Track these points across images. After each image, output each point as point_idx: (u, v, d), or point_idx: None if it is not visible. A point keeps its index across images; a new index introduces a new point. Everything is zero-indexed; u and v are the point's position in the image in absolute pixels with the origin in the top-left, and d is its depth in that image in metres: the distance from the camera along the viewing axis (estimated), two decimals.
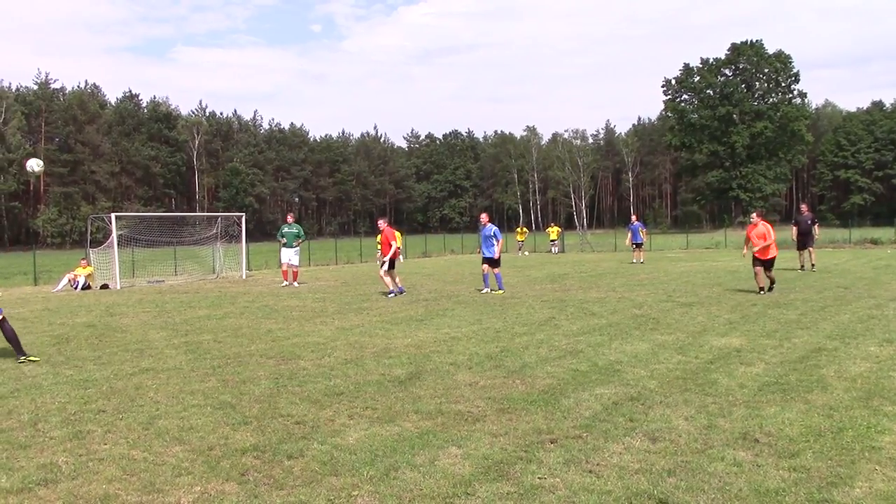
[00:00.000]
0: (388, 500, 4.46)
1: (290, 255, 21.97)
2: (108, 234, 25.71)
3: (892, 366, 7.90)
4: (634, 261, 29.70)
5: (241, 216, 29.08)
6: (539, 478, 4.75)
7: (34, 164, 13.49)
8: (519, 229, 47.29)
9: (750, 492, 4.43)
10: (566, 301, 15.30)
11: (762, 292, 15.55)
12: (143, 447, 5.63)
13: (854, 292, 15.60)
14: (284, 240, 22.01)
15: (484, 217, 18.18)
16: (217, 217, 30.61)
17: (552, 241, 45.49)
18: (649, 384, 7.30)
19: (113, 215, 25.41)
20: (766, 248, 15.83)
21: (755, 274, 15.97)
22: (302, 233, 22.87)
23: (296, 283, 21.78)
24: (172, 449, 5.57)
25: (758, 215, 16.59)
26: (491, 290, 17.53)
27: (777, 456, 5.06)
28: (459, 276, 24.41)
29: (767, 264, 15.90)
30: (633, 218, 33.22)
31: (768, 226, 16.08)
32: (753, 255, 16.02)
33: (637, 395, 6.87)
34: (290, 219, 22.93)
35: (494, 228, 17.69)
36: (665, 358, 8.70)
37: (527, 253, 43.35)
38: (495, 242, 17.52)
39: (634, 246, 30.78)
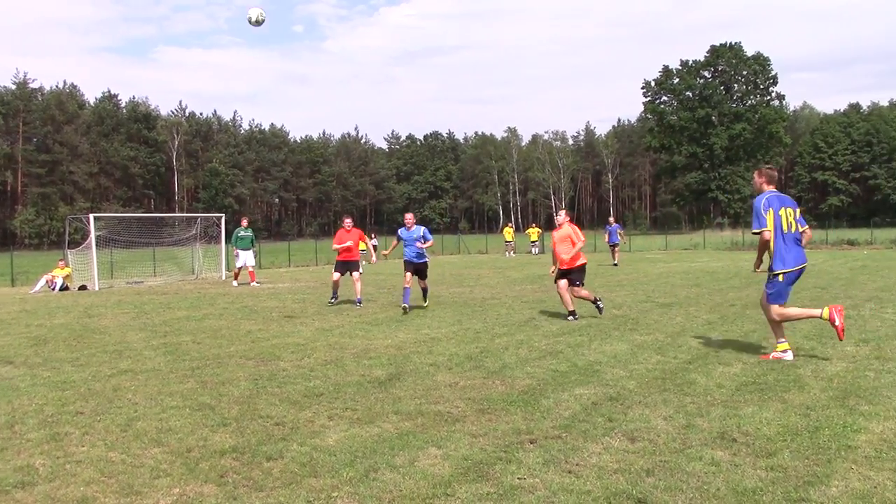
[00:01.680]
0: (368, 501, 4.45)
1: (247, 258, 22.71)
2: (86, 235, 25.53)
3: (867, 365, 7.98)
4: (616, 262, 29.56)
5: (221, 217, 28.96)
6: (518, 478, 4.76)
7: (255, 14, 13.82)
8: (506, 230, 47.42)
9: (728, 491, 4.46)
10: (546, 302, 15.34)
11: (572, 318, 12.21)
12: (121, 449, 5.59)
13: (831, 293, 15.74)
14: (241, 244, 22.61)
15: (409, 217, 15.23)
16: (196, 218, 30.46)
17: (532, 242, 45.62)
18: (628, 384, 7.33)
19: (91, 216, 25.22)
20: (574, 256, 12.64)
21: (559, 294, 12.70)
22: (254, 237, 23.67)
23: (256, 283, 22.47)
24: (151, 451, 5.53)
25: (565, 214, 13.39)
26: (409, 306, 14.12)
27: (754, 455, 5.10)
28: (440, 276, 24.41)
29: (574, 277, 12.58)
30: (611, 220, 33.12)
31: (575, 228, 12.95)
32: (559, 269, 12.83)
33: (616, 395, 6.90)
34: (244, 223, 23.31)
35: (424, 229, 14.89)
36: (644, 358, 8.74)
37: (513, 254, 43.41)
38: (424, 245, 14.62)
39: (610, 247, 30.67)
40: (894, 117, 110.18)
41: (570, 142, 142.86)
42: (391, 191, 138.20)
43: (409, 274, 14.43)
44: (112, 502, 4.54)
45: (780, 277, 8.46)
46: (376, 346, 10.08)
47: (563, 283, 12.54)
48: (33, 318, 14.85)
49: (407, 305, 13.98)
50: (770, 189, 8.80)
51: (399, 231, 15.10)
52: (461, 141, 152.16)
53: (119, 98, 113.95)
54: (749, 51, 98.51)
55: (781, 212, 8.46)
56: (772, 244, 8.44)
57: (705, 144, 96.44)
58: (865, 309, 12.79)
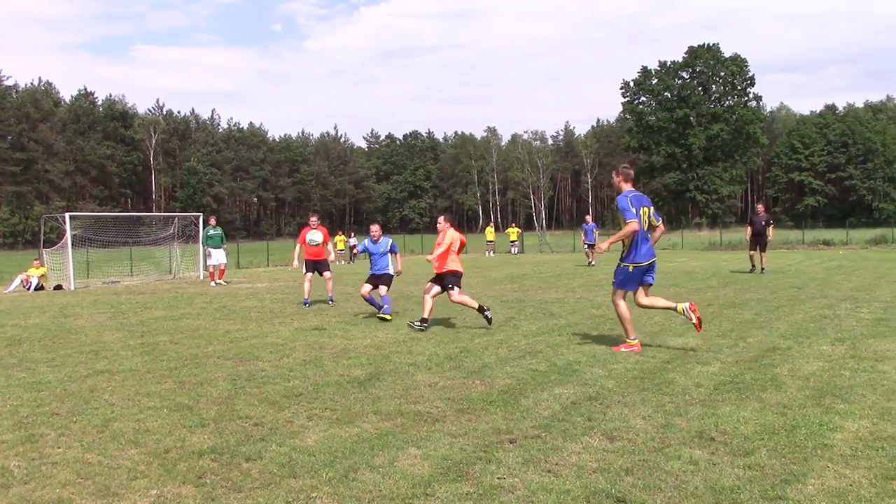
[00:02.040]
0: (348, 502, 4.44)
1: (220, 256, 23.21)
2: (62, 235, 25.33)
3: (843, 364, 8.05)
4: (592, 262, 28.88)
5: (199, 216, 28.80)
6: (498, 478, 4.76)
7: None
8: (488, 229, 47.50)
9: (706, 489, 4.48)
10: (525, 301, 15.37)
11: (418, 325, 11.58)
12: (97, 450, 5.54)
13: (807, 292, 15.87)
14: (212, 244, 23.01)
15: (375, 230, 14.08)
16: (174, 217, 30.28)
17: (512, 241, 45.72)
18: (607, 384, 7.35)
19: (67, 215, 25.03)
20: (443, 255, 12.16)
21: (423, 298, 12.06)
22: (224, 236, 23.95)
23: (223, 282, 22.99)
24: (128, 452, 5.49)
25: (445, 220, 12.83)
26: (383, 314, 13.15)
27: (732, 454, 5.13)
28: (419, 276, 24.37)
29: (446, 281, 12.05)
30: (588, 218, 32.41)
31: (456, 234, 12.52)
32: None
33: (595, 394, 6.92)
34: (212, 221, 23.61)
35: (391, 241, 14.06)
36: (623, 358, 8.77)
37: (493, 254, 43.49)
38: (391, 258, 13.92)
39: (587, 246, 30.03)
40: (869, 119, 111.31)
41: (550, 142, 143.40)
42: (370, 190, 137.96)
43: (367, 285, 13.67)
44: None
45: (631, 268, 9.12)
46: (355, 346, 10.06)
47: (435, 288, 12.07)
48: (8, 318, 14.70)
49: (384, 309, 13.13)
50: (629, 188, 9.32)
51: (366, 243, 14.07)
52: (441, 140, 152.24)
53: (95, 96, 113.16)
54: (727, 52, 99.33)
55: (641, 211, 9.06)
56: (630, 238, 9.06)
57: (683, 145, 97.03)
58: (841, 308, 12.90)
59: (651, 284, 9.36)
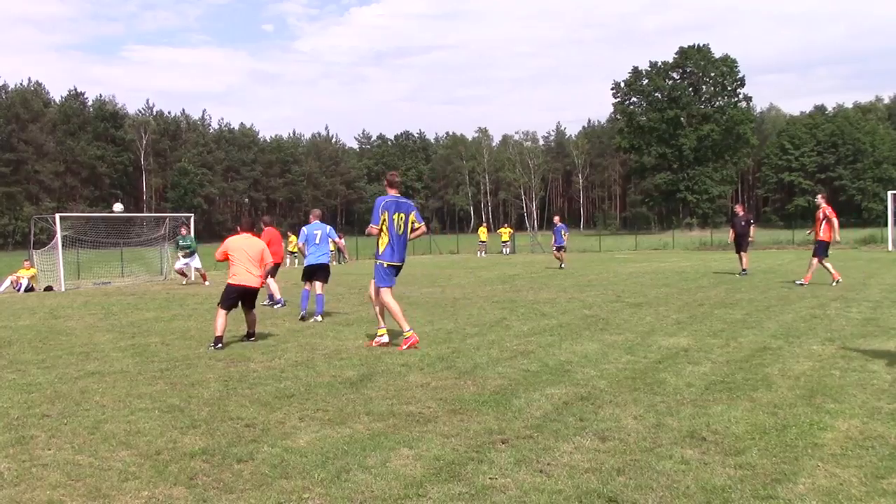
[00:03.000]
0: (340, 503, 4.43)
1: (189, 261, 23.67)
2: (52, 235, 25.25)
3: (833, 364, 8.08)
4: (563, 266, 27.38)
5: (190, 217, 28.74)
6: (490, 478, 4.76)
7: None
8: (481, 229, 47.50)
9: (697, 489, 4.50)
10: (517, 302, 15.38)
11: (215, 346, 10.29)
12: (88, 452, 5.52)
13: (797, 292, 15.93)
14: (184, 251, 23.49)
15: (316, 213, 14.01)
16: (165, 218, 30.21)
17: (504, 242, 45.75)
18: (599, 384, 7.37)
19: (57, 216, 24.93)
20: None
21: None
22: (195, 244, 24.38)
23: (184, 281, 23.62)
24: (119, 453, 5.47)
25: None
26: (317, 317, 13.04)
27: (723, 453, 5.14)
28: (411, 277, 24.38)
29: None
30: (556, 219, 30.41)
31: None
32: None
33: (587, 394, 6.93)
34: (184, 231, 24.22)
35: (330, 227, 13.74)
36: (614, 358, 8.79)
37: (485, 254, 43.51)
38: (331, 244, 13.88)
39: (556, 249, 28.60)
40: (859, 119, 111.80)
41: (541, 142, 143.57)
42: (362, 191, 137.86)
43: (313, 281, 13.44)
44: None
45: (385, 265, 9.91)
46: (347, 347, 10.05)
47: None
48: None
49: (304, 312, 13.23)
50: (391, 193, 10.06)
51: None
52: (432, 141, 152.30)
53: (86, 96, 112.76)
54: (717, 53, 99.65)
55: (395, 216, 9.84)
56: (386, 239, 9.82)
57: (674, 145, 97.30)
58: (831, 308, 12.95)
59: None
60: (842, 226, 20.32)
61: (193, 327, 12.62)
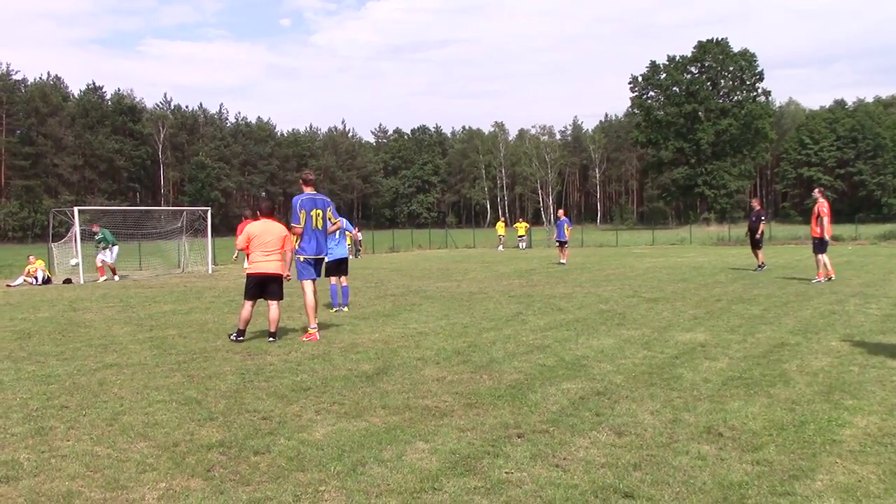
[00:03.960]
0: (355, 496, 4.45)
1: (111, 255, 23.64)
2: (70, 228, 25.41)
3: (852, 360, 8.03)
4: (563, 261, 26.67)
5: (207, 210, 28.86)
6: (506, 472, 4.76)
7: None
8: (499, 223, 47.41)
9: (714, 485, 4.48)
10: (533, 296, 15.36)
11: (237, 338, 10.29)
12: (106, 443, 5.56)
13: (816, 288, 15.82)
14: (103, 244, 23.49)
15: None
16: (182, 211, 30.34)
17: (520, 236, 45.66)
18: (615, 379, 7.35)
19: (76, 209, 25.07)
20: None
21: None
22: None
23: (103, 278, 23.34)
24: (137, 445, 5.51)
25: (260, 214, 11.11)
26: (339, 308, 13.46)
27: (740, 449, 5.12)
28: (427, 271, 24.41)
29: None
30: (560, 213, 29.62)
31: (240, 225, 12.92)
32: None
33: (603, 389, 6.91)
34: (95, 228, 23.92)
35: (345, 220, 13.35)
36: (631, 353, 8.77)
37: (502, 248, 43.45)
38: (347, 237, 13.86)
39: (558, 244, 27.90)
40: (880, 114, 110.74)
41: (558, 136, 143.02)
42: (378, 185, 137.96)
43: (335, 276, 13.67)
44: (98, 497, 4.52)
45: (302, 258, 10.57)
46: (363, 341, 10.07)
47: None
48: (17, 311, 14.76)
49: (343, 307, 13.49)
50: (308, 191, 10.77)
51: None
52: (448, 135, 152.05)
53: (104, 90, 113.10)
54: (735, 47, 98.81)
55: (312, 212, 10.54)
56: (304, 234, 10.48)
57: (692, 140, 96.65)
58: (850, 304, 12.86)
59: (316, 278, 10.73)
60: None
61: (211, 320, 12.69)
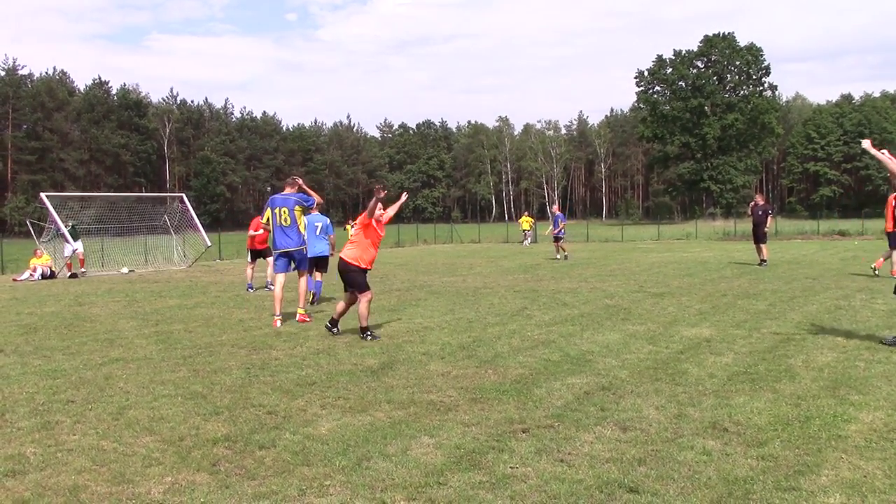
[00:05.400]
0: (360, 490, 4.46)
1: (78, 246, 23.70)
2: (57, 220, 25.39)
3: (858, 355, 8.02)
4: (558, 257, 26.74)
5: (182, 196, 28.80)
6: (511, 467, 4.77)
7: None
8: (523, 218, 47.19)
9: (719, 480, 4.48)
10: (538, 291, 15.35)
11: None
12: (112, 437, 5.58)
13: (822, 283, 15.79)
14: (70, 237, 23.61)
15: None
16: (163, 198, 30.20)
17: (525, 231, 45.58)
18: (620, 374, 7.35)
19: (44, 195, 25.43)
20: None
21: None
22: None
23: (82, 269, 23.65)
24: (143, 439, 5.53)
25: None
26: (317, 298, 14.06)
27: (745, 445, 5.12)
28: (432, 266, 24.42)
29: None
30: (555, 208, 29.58)
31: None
32: None
33: (608, 384, 6.91)
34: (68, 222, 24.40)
35: (326, 219, 14.07)
36: (636, 348, 8.76)
37: (528, 243, 43.17)
38: (327, 238, 14.05)
39: (554, 240, 27.65)
40: (887, 108, 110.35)
41: (563, 131, 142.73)
42: (384, 179, 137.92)
43: (316, 272, 14.20)
44: (104, 491, 4.54)
45: (274, 252, 11.76)
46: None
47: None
48: (24, 306, 14.80)
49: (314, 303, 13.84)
50: (287, 191, 11.77)
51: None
52: (454, 130, 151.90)
53: (110, 85, 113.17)
54: (742, 41, 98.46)
55: (277, 210, 11.53)
56: (272, 230, 11.65)
57: (698, 134, 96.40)
58: (856, 299, 12.83)
59: (301, 270, 11.79)
60: (868, 216, 20.11)
61: (216, 315, 12.71)
